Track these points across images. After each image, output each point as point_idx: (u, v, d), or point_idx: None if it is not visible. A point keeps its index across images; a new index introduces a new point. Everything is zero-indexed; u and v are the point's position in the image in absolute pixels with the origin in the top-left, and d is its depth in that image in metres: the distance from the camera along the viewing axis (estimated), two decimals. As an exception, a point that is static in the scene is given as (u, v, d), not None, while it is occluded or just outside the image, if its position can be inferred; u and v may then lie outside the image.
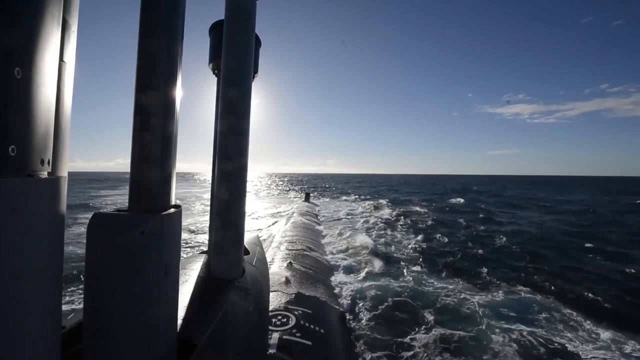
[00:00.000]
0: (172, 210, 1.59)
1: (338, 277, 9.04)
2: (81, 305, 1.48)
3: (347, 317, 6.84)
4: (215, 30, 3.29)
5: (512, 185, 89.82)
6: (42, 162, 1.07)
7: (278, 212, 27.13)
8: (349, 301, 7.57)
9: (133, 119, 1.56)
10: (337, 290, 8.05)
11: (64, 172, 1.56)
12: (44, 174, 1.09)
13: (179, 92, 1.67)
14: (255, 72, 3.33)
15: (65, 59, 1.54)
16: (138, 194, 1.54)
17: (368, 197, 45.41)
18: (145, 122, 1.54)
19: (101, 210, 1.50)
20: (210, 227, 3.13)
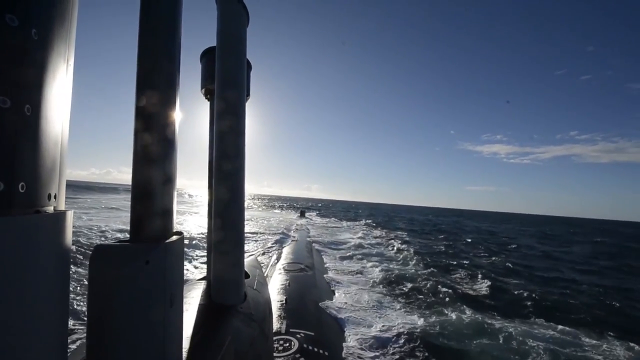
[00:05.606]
0: (174, 237, 1.56)
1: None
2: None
3: (352, 339, 6.40)
4: (207, 56, 3.33)
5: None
6: (49, 196, 1.06)
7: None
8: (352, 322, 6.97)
9: (134, 122, 1.53)
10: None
11: (62, 205, 1.58)
12: (51, 209, 1.09)
13: (178, 114, 1.61)
14: (248, 94, 3.38)
15: None
16: (140, 223, 1.50)
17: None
18: (146, 129, 1.49)
19: (103, 242, 1.46)
20: (209, 234, 3.02)
